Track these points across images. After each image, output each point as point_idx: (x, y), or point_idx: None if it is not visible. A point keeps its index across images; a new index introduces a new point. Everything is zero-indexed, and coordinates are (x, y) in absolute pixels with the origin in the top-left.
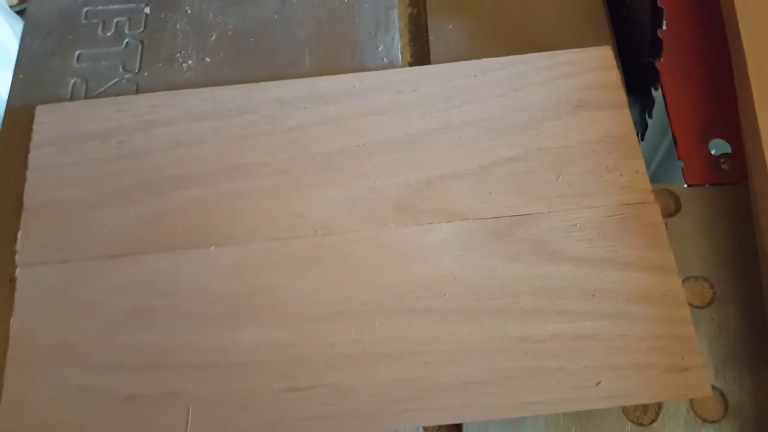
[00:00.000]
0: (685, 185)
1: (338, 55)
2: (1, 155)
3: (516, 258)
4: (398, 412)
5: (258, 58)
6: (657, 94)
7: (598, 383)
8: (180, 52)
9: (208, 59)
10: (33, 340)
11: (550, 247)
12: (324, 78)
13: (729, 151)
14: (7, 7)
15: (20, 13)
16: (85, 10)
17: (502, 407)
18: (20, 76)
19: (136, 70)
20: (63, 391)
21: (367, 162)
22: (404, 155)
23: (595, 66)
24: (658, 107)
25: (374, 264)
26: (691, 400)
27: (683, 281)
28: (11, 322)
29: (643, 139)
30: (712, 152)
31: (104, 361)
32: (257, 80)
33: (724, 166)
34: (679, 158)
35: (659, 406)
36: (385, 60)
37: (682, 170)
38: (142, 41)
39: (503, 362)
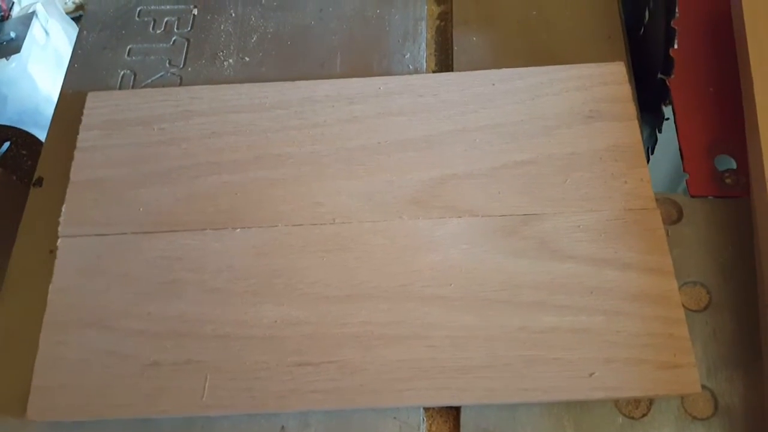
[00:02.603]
0: (689, 196)
1: (367, 61)
2: (53, 136)
3: (520, 254)
4: (401, 391)
5: (293, 60)
6: (668, 110)
7: (592, 374)
8: (222, 51)
9: (247, 59)
10: (68, 305)
11: (553, 245)
12: (351, 80)
13: (734, 166)
14: (64, 13)
15: (76, 19)
16: (138, 9)
17: (499, 392)
18: (75, 66)
19: (181, 66)
20: (93, 353)
21: (386, 158)
22: (421, 154)
23: (608, 80)
24: (671, 123)
25: (386, 253)
26: (682, 398)
27: (682, 286)
28: (49, 288)
29: (653, 153)
30: (718, 167)
31: (132, 328)
32: (291, 80)
33: (728, 180)
34: (684, 171)
35: (651, 402)
36: (411, 67)
37: (687, 182)
38: (188, 39)
39: (502, 350)
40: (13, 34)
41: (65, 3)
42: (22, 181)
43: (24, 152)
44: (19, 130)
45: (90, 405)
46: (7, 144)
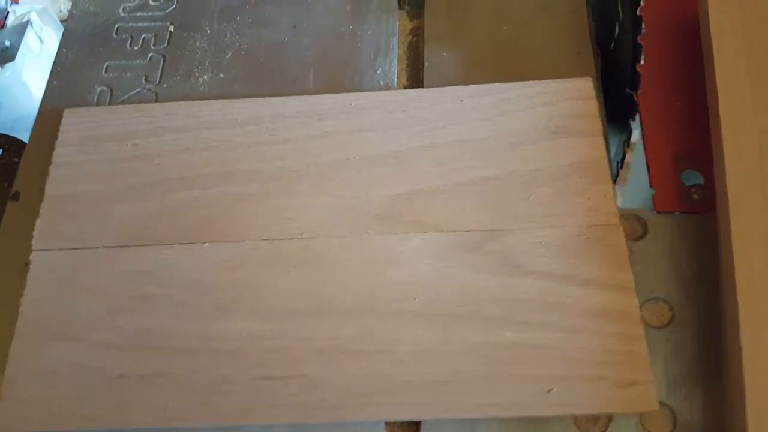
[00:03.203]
0: (654, 212)
1: (339, 77)
2: (30, 151)
3: (483, 269)
4: (363, 405)
5: (267, 76)
6: (635, 125)
7: (549, 391)
8: (197, 67)
9: (222, 75)
10: (40, 317)
11: (516, 261)
12: (323, 96)
13: (701, 181)
14: (59, 21)
15: None
16: (116, 25)
17: (458, 407)
18: (54, 83)
19: (157, 82)
20: (63, 365)
21: (355, 174)
22: (389, 170)
23: (575, 96)
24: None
25: (353, 267)
26: (641, 415)
27: (644, 302)
28: (21, 300)
29: (621, 167)
30: (685, 182)
31: (102, 341)
32: (264, 96)
33: (695, 196)
34: (651, 186)
35: (609, 419)
36: (382, 83)
37: (653, 197)
38: (164, 56)
39: (463, 365)
40: (7, 43)
41: (60, 11)
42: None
43: (16, 160)
44: (12, 137)
45: (59, 417)
46: None
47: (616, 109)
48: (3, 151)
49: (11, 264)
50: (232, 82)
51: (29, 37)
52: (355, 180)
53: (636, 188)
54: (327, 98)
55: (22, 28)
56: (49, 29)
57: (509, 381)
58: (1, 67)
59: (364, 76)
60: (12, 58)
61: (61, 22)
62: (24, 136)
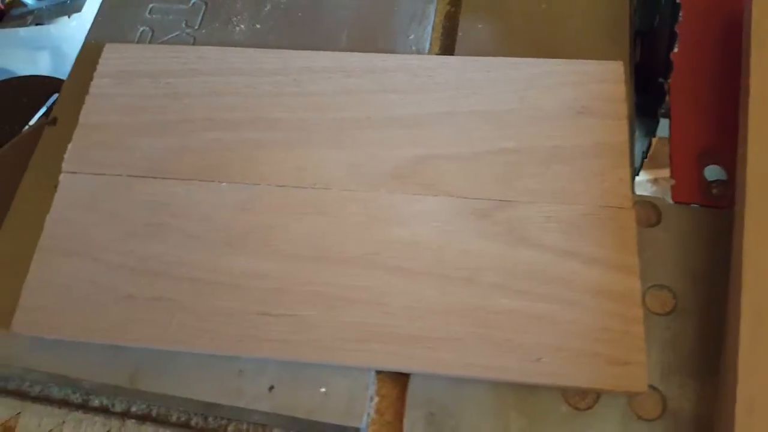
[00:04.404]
0: (671, 201)
1: (372, 38)
2: (71, 81)
3: (489, 238)
4: (354, 351)
5: (301, 31)
6: (663, 115)
7: (540, 359)
8: (236, 17)
9: (258, 26)
10: (60, 235)
11: (523, 232)
12: (351, 54)
13: (724, 178)
14: None
15: None
16: None
17: (447, 364)
18: (100, 19)
19: (196, 27)
20: (76, 280)
21: (373, 132)
22: (408, 132)
23: (605, 78)
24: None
25: (360, 221)
26: (630, 397)
27: (649, 288)
28: (47, 218)
29: (646, 157)
30: (708, 177)
31: (114, 262)
32: (295, 49)
33: (715, 191)
34: (671, 176)
35: (598, 396)
36: (414, 48)
37: (672, 187)
38: (206, 3)
39: (456, 325)
40: None
41: None
42: None
43: None
44: None
45: (68, 326)
46: (55, 96)
47: (648, 101)
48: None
49: (44, 184)
50: (268, 34)
51: None
52: (373, 138)
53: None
54: (355, 56)
55: None
56: None
57: (501, 345)
58: (68, 17)
59: (396, 40)
60: (79, 9)
61: None
62: None
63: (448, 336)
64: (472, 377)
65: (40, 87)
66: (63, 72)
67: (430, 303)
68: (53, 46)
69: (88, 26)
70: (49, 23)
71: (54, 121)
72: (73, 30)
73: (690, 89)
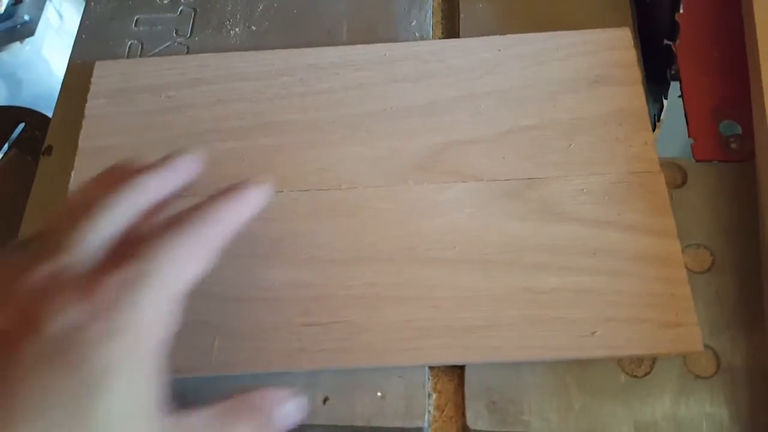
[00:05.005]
0: (694, 160)
1: (373, 28)
2: (61, 105)
3: (524, 217)
4: (406, 350)
5: (299, 29)
6: (673, 76)
7: (594, 333)
8: (229, 20)
9: (253, 27)
10: None
11: (557, 208)
12: (356, 47)
13: (739, 131)
14: None
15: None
16: None
17: (502, 350)
18: (83, 36)
19: (188, 35)
20: None
21: (391, 124)
22: (426, 120)
23: (614, 45)
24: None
25: (392, 217)
26: (684, 357)
27: (685, 248)
28: None
29: (659, 120)
30: (723, 132)
31: None
32: (297, 48)
33: (733, 145)
34: (689, 136)
35: (653, 361)
36: (417, 34)
37: (692, 146)
38: (195, 9)
39: (506, 310)
40: (27, 17)
41: None
42: (36, 161)
43: (38, 133)
44: (34, 111)
45: None
46: (21, 125)
47: (653, 62)
48: (25, 124)
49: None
50: (265, 35)
51: (48, 12)
52: (391, 130)
53: (673, 138)
54: (360, 49)
55: (41, 2)
56: (68, 4)
57: (553, 324)
58: (21, 43)
59: (398, 28)
60: (32, 33)
61: None
62: (46, 112)
63: (500, 322)
64: (529, 360)
65: None
66: (20, 100)
67: (476, 291)
68: (7, 74)
69: (41, 50)
70: (0, 51)
71: (49, 150)
72: (28, 54)
73: (696, 48)
